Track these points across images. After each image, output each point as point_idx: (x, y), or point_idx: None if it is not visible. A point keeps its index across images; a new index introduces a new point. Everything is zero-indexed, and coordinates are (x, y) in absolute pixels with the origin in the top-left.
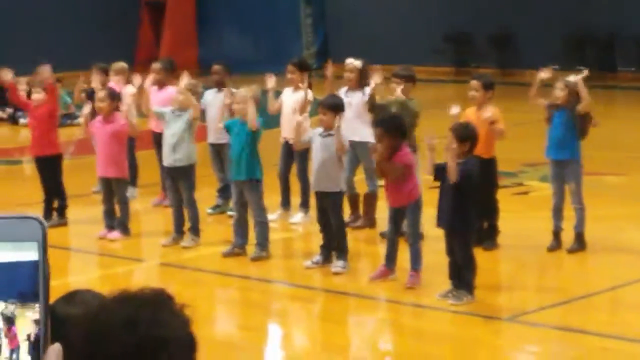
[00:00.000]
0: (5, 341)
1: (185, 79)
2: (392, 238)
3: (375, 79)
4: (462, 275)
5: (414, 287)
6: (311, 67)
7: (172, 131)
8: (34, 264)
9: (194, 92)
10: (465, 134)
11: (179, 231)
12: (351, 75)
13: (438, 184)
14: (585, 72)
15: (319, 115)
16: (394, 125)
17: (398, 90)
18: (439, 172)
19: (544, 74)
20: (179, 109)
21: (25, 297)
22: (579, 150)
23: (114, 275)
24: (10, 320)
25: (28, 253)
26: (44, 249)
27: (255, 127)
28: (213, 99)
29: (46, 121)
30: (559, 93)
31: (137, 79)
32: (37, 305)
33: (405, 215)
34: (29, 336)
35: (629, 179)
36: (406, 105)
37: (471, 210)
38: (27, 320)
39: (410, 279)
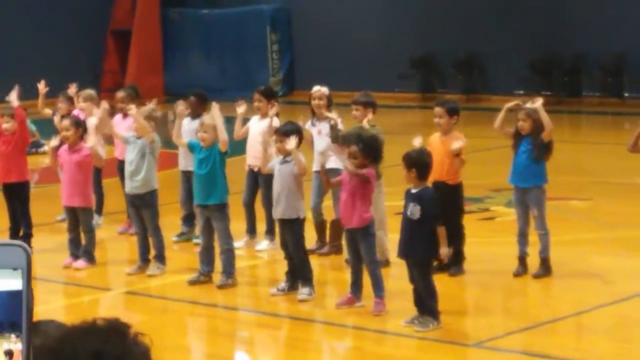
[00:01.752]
0: None
1: (150, 106)
2: (355, 265)
3: (332, 116)
4: (424, 303)
5: (379, 314)
6: (277, 94)
7: (130, 158)
8: (10, 294)
9: (151, 117)
10: (411, 161)
11: (145, 259)
12: (321, 102)
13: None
14: (540, 100)
15: (276, 143)
16: (371, 147)
17: (364, 122)
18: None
19: (510, 105)
20: (137, 135)
21: (2, 328)
22: (544, 177)
23: (79, 304)
24: None
25: (3, 281)
26: (28, 276)
27: (225, 148)
28: (187, 127)
29: (16, 148)
30: (522, 124)
31: (104, 103)
32: (12, 335)
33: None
34: None
35: (593, 204)
36: (368, 132)
37: (428, 240)
38: (1, 352)
39: (376, 306)
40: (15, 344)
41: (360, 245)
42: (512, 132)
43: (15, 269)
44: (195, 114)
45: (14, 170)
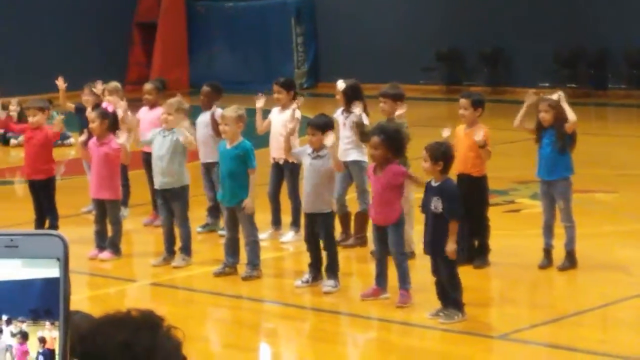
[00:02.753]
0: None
1: (177, 98)
2: (380, 257)
3: (356, 112)
4: (449, 295)
5: (404, 306)
6: (300, 86)
7: (160, 153)
8: (46, 281)
9: (180, 109)
10: (438, 153)
11: (170, 251)
12: (338, 96)
13: None
14: (560, 93)
15: (308, 136)
16: (393, 138)
17: (399, 111)
18: (423, 203)
19: (530, 100)
20: (167, 129)
21: (37, 315)
22: (570, 169)
23: (105, 295)
24: (25, 337)
25: (41, 270)
26: (65, 265)
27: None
28: (202, 119)
29: (42, 147)
30: (544, 115)
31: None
32: (47, 323)
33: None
34: (37, 356)
35: (619, 197)
36: (391, 124)
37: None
38: (36, 339)
39: (400, 298)
40: (49, 331)
41: (390, 237)
42: (532, 127)
43: (53, 259)
44: (208, 106)
45: (40, 169)
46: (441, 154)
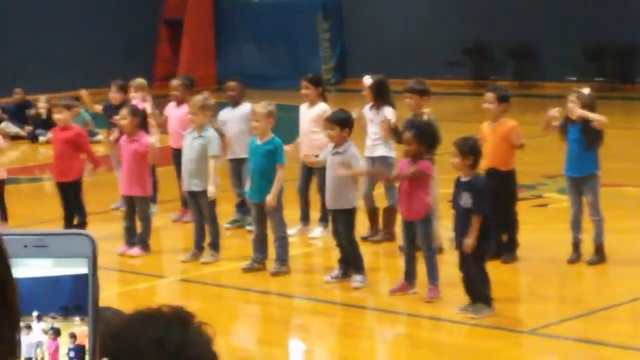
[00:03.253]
0: (47, 354)
1: (203, 95)
2: (409, 252)
3: (387, 114)
4: (478, 290)
5: (432, 301)
6: (327, 81)
7: (189, 156)
8: (76, 278)
9: (206, 106)
10: (466, 148)
11: (199, 247)
12: (365, 92)
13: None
14: (587, 89)
15: (327, 130)
16: (426, 133)
17: (427, 111)
18: (453, 199)
19: (554, 113)
20: (197, 131)
21: (68, 312)
22: (596, 165)
23: (134, 291)
24: (57, 333)
25: (72, 268)
26: (94, 265)
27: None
28: (230, 115)
29: (70, 149)
30: (571, 106)
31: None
32: (76, 318)
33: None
34: (68, 351)
35: None
36: (422, 119)
37: (483, 228)
38: (67, 335)
39: (429, 292)
40: (79, 327)
41: (418, 233)
42: (558, 125)
43: (82, 258)
44: (238, 101)
45: (68, 172)
46: (469, 149)
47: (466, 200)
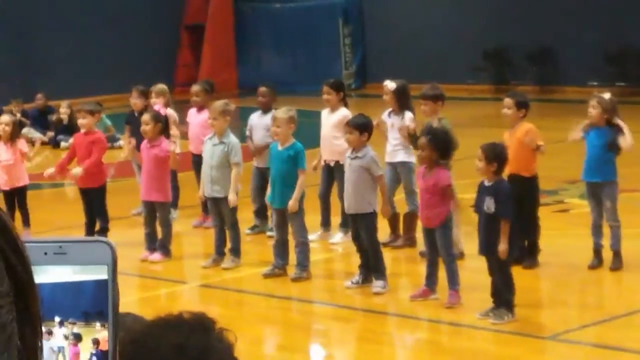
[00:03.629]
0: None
1: (222, 100)
2: (431, 258)
3: (407, 120)
4: (501, 295)
5: (453, 307)
6: (348, 86)
7: (210, 163)
8: (97, 283)
9: (226, 111)
10: (493, 154)
11: (220, 252)
12: (387, 97)
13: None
14: (608, 94)
15: (345, 135)
16: (441, 140)
17: (435, 120)
18: (476, 204)
19: (575, 136)
20: (217, 137)
21: (89, 317)
22: (615, 171)
23: (155, 297)
24: (78, 338)
25: (92, 275)
26: (113, 272)
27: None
28: (259, 121)
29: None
30: (591, 111)
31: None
32: (97, 324)
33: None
34: (90, 357)
35: None
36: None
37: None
38: (89, 341)
39: (450, 298)
40: (99, 332)
41: (438, 239)
42: (582, 134)
43: (102, 265)
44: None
45: (92, 178)
46: (496, 155)
47: (489, 205)
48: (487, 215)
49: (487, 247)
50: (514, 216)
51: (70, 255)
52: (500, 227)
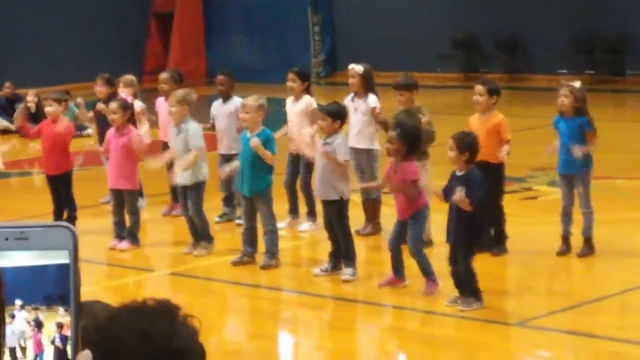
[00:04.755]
0: (30, 345)
1: (185, 89)
2: (394, 248)
3: (371, 103)
4: (466, 283)
5: (430, 296)
6: (317, 74)
7: (176, 149)
8: (59, 267)
9: (185, 100)
10: (465, 144)
11: (197, 238)
12: (353, 80)
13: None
14: (578, 82)
15: (319, 121)
16: (410, 134)
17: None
18: (445, 192)
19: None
20: (175, 125)
21: (51, 301)
22: (589, 162)
23: (124, 285)
24: (39, 325)
25: (54, 260)
26: (75, 256)
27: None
28: (220, 109)
29: (57, 145)
30: (563, 100)
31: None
32: (60, 308)
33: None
34: (53, 340)
35: (638, 183)
36: (413, 113)
37: (474, 221)
38: (52, 325)
39: (427, 287)
40: (62, 317)
41: (408, 231)
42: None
43: (63, 250)
44: (228, 95)
45: (57, 162)
46: (467, 145)
47: (460, 194)
48: (457, 204)
49: (454, 236)
50: (479, 203)
51: (31, 241)
52: (467, 216)
